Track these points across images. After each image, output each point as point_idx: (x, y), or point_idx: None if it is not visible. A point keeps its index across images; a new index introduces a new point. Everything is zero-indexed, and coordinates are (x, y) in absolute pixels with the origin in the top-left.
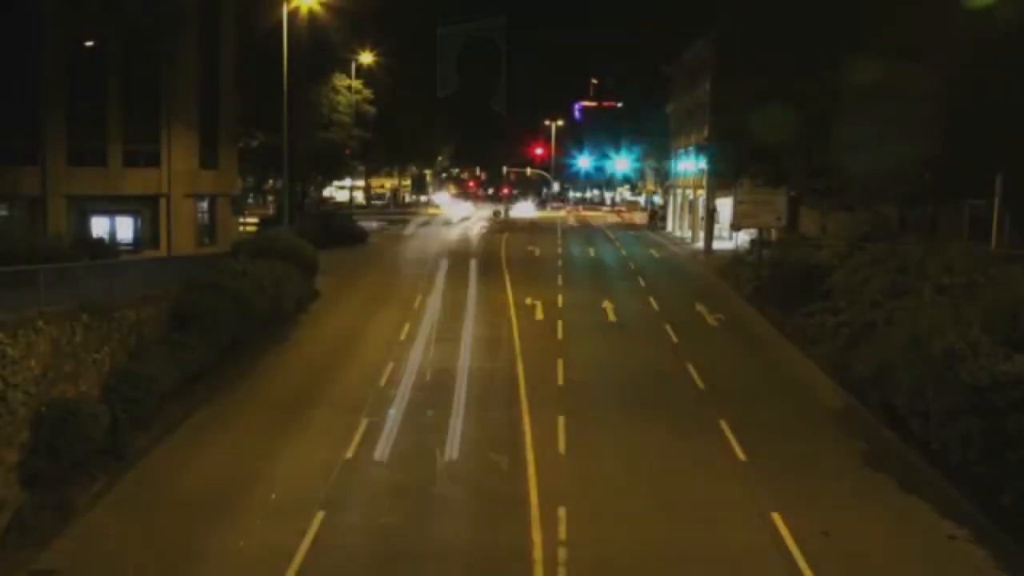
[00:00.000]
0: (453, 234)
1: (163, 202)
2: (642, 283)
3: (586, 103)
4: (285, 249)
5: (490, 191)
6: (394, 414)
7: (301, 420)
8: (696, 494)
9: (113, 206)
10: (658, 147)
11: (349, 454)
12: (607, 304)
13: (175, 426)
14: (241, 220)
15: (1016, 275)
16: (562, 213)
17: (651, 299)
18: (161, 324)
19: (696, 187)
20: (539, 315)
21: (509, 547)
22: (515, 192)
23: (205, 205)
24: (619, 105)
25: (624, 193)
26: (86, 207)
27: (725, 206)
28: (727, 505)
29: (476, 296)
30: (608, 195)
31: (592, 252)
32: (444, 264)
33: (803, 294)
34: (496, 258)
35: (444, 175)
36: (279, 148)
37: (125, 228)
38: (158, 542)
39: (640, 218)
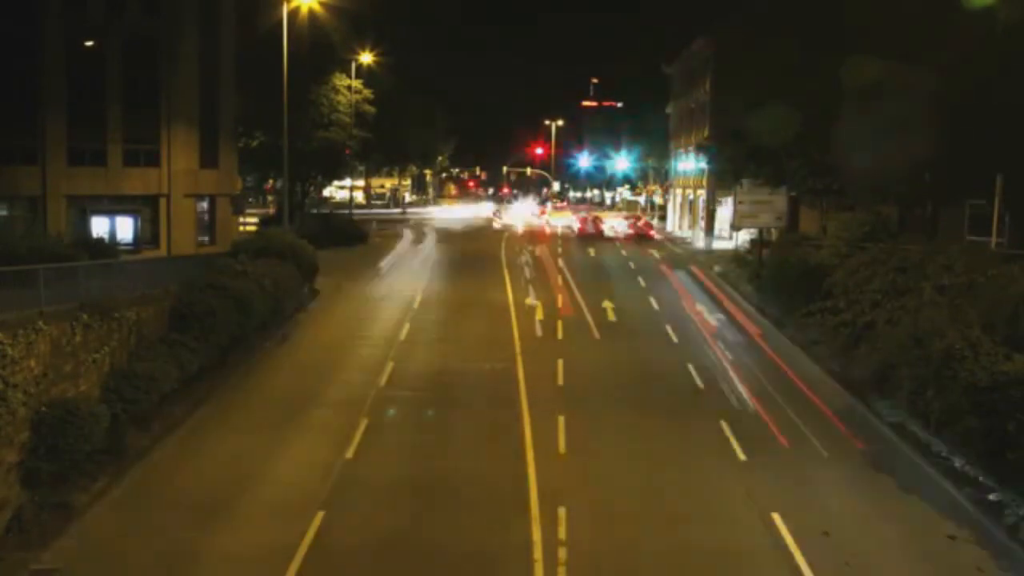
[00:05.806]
0: (453, 235)
1: (163, 202)
2: (642, 283)
3: (586, 103)
4: (285, 249)
5: (490, 191)
6: (394, 414)
7: (301, 420)
8: (696, 494)
9: (113, 206)
10: (658, 147)
11: (349, 454)
12: (607, 304)
13: (175, 426)
14: (241, 220)
15: (1016, 275)
16: (567, 215)
17: (651, 299)
18: (161, 324)
19: (696, 187)
20: (539, 315)
21: (509, 546)
22: (515, 192)
23: (205, 205)
24: (619, 105)
25: (624, 193)
26: (86, 207)
27: (725, 206)
28: (727, 505)
29: (476, 296)
30: (608, 195)
31: (592, 252)
32: (444, 265)
33: (803, 294)
34: (496, 258)
35: (444, 175)
36: (279, 148)
37: (125, 228)
38: (158, 542)
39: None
